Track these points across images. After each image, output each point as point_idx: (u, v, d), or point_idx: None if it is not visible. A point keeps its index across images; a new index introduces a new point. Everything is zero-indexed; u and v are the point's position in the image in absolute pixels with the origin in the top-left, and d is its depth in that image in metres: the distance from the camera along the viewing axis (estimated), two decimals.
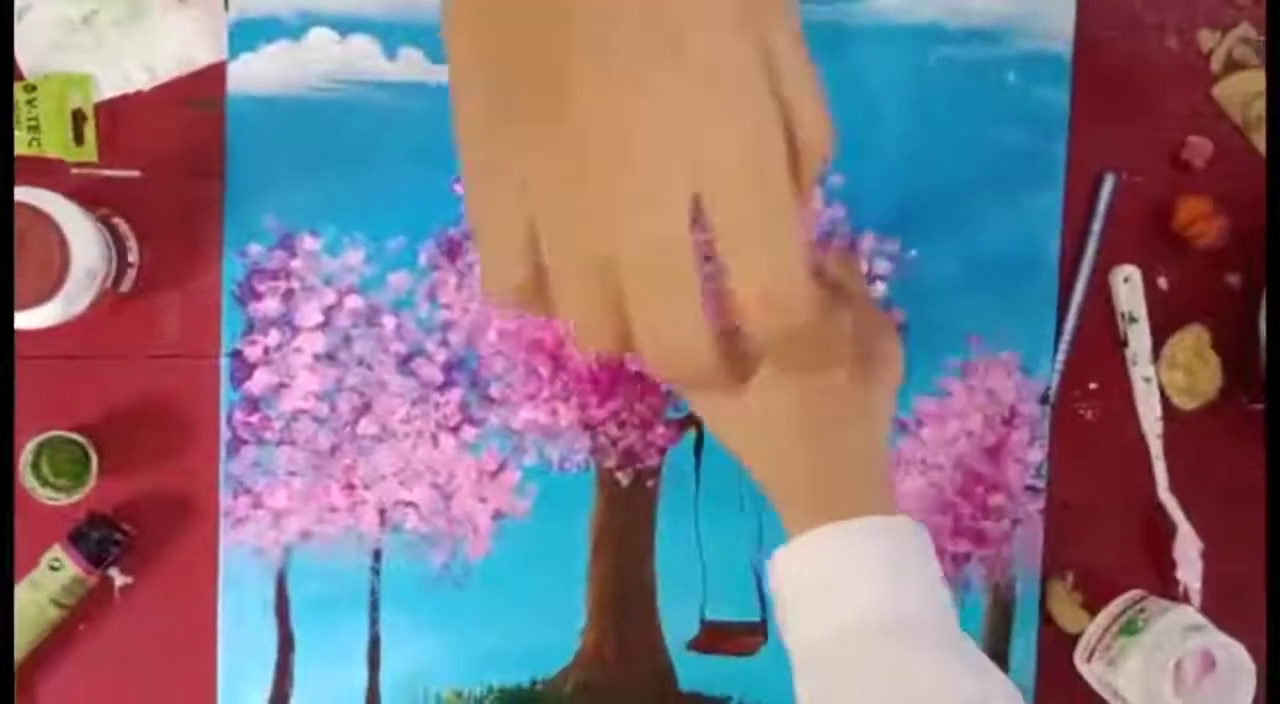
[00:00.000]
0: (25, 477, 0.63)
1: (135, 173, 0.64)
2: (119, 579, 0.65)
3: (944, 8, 0.66)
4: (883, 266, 0.67)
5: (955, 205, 0.67)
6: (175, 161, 0.63)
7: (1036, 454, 0.69)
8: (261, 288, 0.64)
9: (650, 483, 0.67)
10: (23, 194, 0.56)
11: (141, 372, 0.64)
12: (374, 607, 0.66)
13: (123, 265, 0.61)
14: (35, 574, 0.63)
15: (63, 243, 0.55)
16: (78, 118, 0.63)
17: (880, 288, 0.68)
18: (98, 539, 0.63)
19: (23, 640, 0.62)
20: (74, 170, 0.63)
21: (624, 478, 0.67)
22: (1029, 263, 0.68)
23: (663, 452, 0.67)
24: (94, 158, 0.63)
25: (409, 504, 0.65)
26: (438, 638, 0.66)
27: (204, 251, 0.64)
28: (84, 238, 0.57)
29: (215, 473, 0.64)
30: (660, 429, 0.67)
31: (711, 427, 0.56)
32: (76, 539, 0.63)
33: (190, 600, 0.65)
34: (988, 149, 0.67)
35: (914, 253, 0.67)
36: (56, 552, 0.63)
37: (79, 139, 0.63)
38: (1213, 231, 0.68)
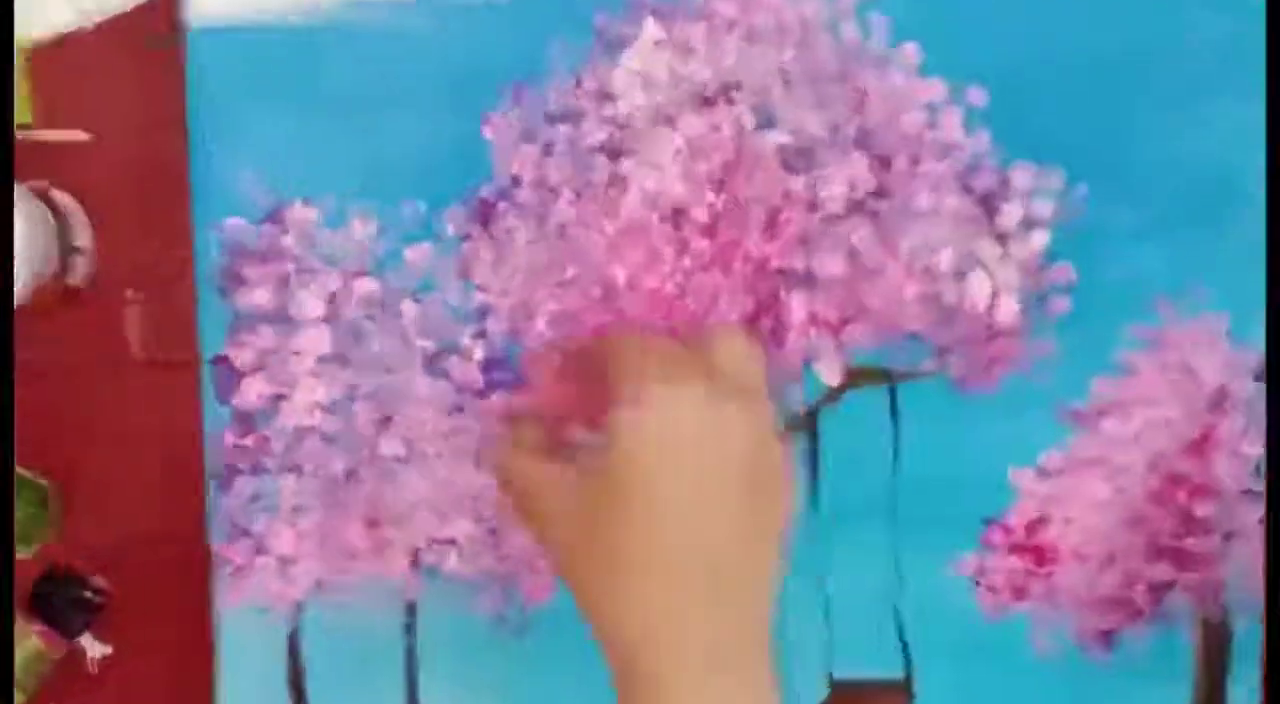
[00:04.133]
0: None
1: (82, 135, 0.58)
2: (93, 649, 0.59)
3: None
4: (1043, 208, 0.59)
5: (1136, 124, 0.59)
6: (129, 118, 0.57)
7: (1255, 446, 0.60)
8: (247, 273, 0.58)
9: None
10: None
11: (102, 386, 0.58)
12: (410, 670, 0.60)
13: (68, 251, 0.55)
14: None
15: None
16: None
17: (1040, 237, 0.59)
18: (63, 601, 0.58)
19: None
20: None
21: None
22: (1229, 198, 0.60)
23: None
24: (28, 118, 0.57)
25: (448, 542, 0.60)
26: None
27: (171, 230, 0.58)
28: (17, 219, 0.49)
29: (203, 511, 0.59)
30: None
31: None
32: (36, 602, 0.58)
33: (183, 672, 0.59)
34: (1175, 47, 0.59)
35: (1083, 189, 0.59)
36: (19, 621, 0.58)
37: None
38: None
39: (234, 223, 0.58)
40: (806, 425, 0.60)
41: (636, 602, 0.44)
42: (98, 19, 0.56)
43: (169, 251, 0.58)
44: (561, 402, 0.52)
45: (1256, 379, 0.60)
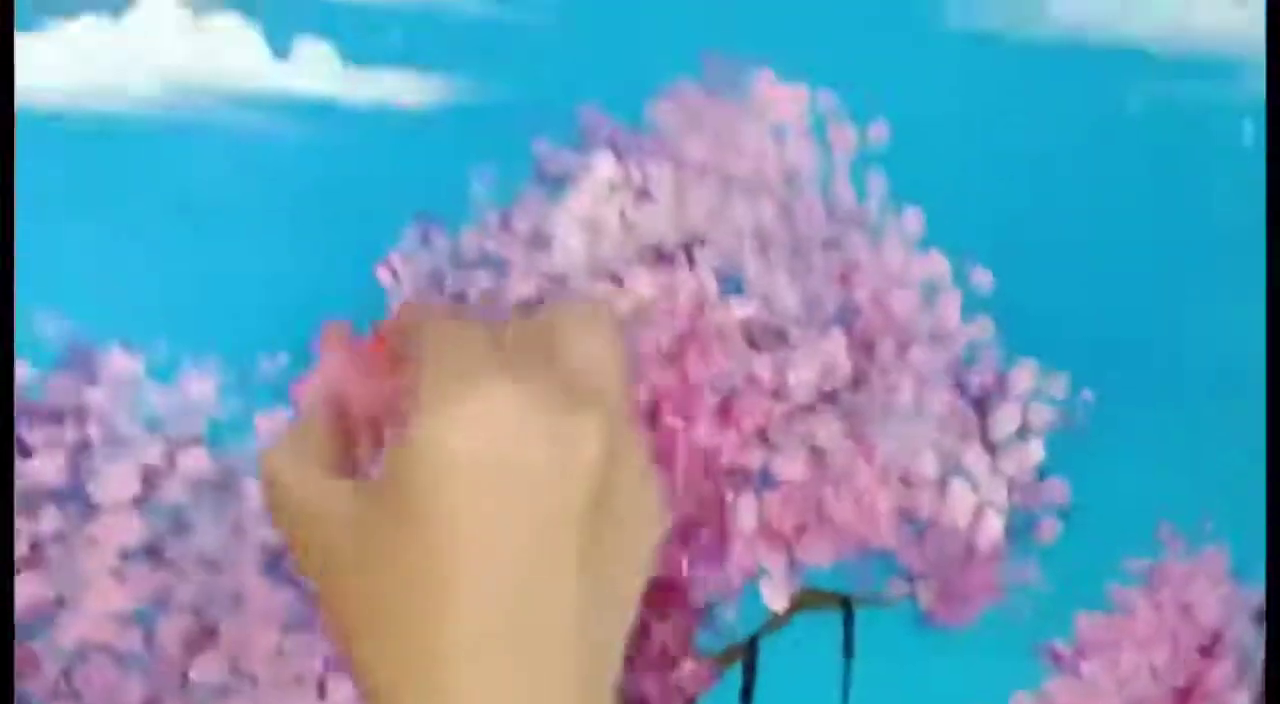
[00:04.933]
0: None
1: None
2: None
3: (1156, 24, 0.57)
4: (1043, 414, 0.58)
5: (1151, 321, 0.59)
6: None
7: (1243, 698, 0.61)
8: (34, 438, 0.50)
9: None
10: None
11: None
12: None
13: None
14: None
15: None
16: None
17: (1036, 448, 0.58)
18: None
19: None
20: None
21: None
22: (1234, 399, 0.60)
23: (691, 703, 0.57)
24: None
25: None
26: None
27: None
28: None
29: None
30: (690, 666, 0.57)
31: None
32: None
33: None
34: (1212, 237, 0.59)
35: (1089, 395, 0.59)
36: None
37: None
38: None
39: (23, 370, 0.50)
40: (745, 657, 0.57)
41: (438, 666, 0.37)
42: None
43: None
44: (361, 398, 0.44)
45: (1256, 621, 0.60)
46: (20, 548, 0.50)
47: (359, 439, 0.42)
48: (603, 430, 0.37)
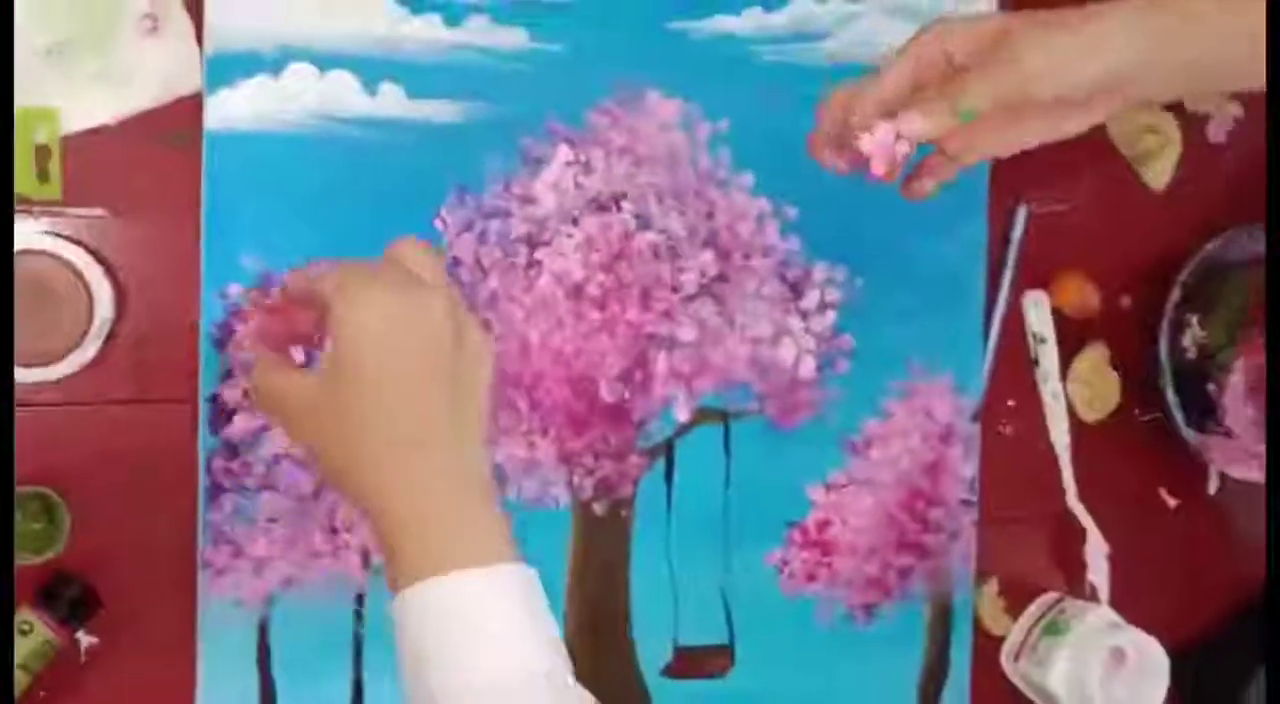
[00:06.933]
0: None
1: (100, 211, 0.74)
2: (84, 640, 0.74)
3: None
4: (834, 294, 0.85)
5: (896, 234, 0.85)
6: (146, 200, 0.74)
7: (970, 469, 0.89)
8: (240, 329, 0.76)
9: (624, 513, 0.82)
10: (39, 241, 0.66)
11: (116, 419, 0.74)
12: (357, 650, 0.78)
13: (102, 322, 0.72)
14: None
15: (87, 291, 0.67)
16: (42, 154, 0.72)
17: (831, 316, 0.86)
18: (71, 599, 0.73)
19: None
20: (37, 210, 0.73)
21: (600, 508, 0.82)
22: (959, 290, 0.88)
23: (636, 481, 0.82)
24: (58, 195, 0.73)
25: None
26: None
27: (181, 293, 0.75)
28: (100, 284, 0.68)
29: (193, 523, 0.75)
30: (633, 458, 0.83)
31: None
32: (48, 600, 0.72)
33: (166, 658, 0.75)
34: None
35: (860, 281, 0.85)
36: (26, 614, 0.72)
37: (43, 176, 0.73)
38: (1090, 307, 0.90)
39: (233, 288, 0.75)
40: (665, 452, 0.82)
41: (374, 462, 0.53)
42: (130, 114, 0.74)
43: (178, 310, 0.74)
44: (284, 327, 0.59)
45: (974, 420, 0.89)
46: (236, 396, 0.76)
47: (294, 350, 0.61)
48: (444, 300, 0.54)
